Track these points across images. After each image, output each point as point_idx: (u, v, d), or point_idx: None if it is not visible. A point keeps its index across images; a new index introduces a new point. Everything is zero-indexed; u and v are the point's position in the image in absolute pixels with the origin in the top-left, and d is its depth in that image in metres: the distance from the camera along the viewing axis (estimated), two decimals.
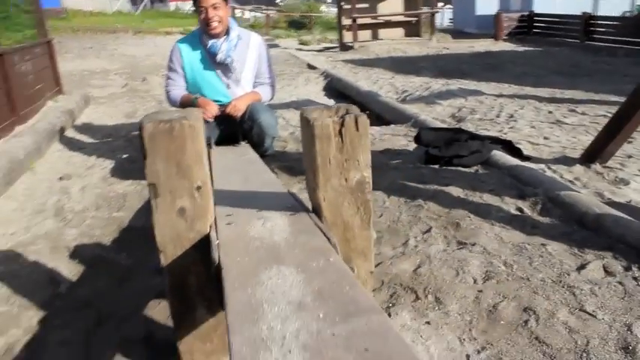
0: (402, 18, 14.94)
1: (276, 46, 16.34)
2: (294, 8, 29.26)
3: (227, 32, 3.53)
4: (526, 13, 15.29)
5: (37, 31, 7.29)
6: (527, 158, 3.79)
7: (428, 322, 2.02)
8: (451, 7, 23.94)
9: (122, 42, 18.60)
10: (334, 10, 18.68)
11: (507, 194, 3.14)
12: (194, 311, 1.67)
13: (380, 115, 5.95)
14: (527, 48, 12.50)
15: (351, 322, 0.93)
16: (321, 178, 1.52)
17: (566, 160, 3.75)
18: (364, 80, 8.41)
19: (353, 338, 0.88)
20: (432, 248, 2.57)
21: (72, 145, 5.35)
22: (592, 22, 12.53)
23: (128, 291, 2.47)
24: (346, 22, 14.25)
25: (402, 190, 3.34)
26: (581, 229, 2.68)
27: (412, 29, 15.09)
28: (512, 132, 4.65)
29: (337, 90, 7.99)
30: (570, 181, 3.35)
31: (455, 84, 7.42)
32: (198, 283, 1.62)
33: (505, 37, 14.72)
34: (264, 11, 27.70)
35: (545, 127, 4.81)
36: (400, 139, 4.61)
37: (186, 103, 3.48)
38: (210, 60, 3.55)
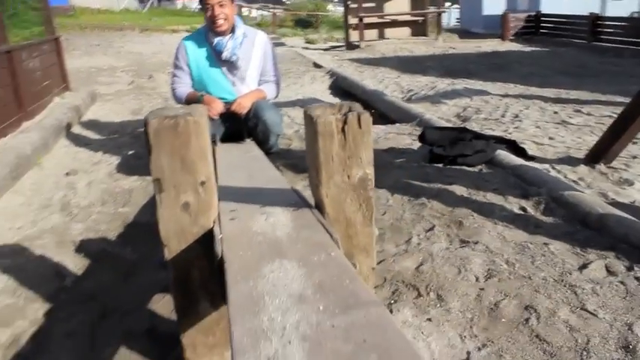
0: (408, 17, 14.93)
1: (282, 44, 16.36)
2: (300, 7, 29.28)
3: (233, 30, 3.55)
4: (533, 14, 15.25)
5: (44, 29, 7.33)
6: (532, 158, 3.80)
7: (429, 319, 2.03)
8: (458, 6, 23.90)
9: (129, 39, 18.67)
10: (341, 9, 18.70)
11: (511, 193, 3.15)
12: (197, 305, 1.69)
13: (385, 114, 5.96)
14: (533, 48, 12.47)
15: (350, 315, 0.95)
16: (323, 174, 1.53)
17: (570, 161, 3.75)
18: (370, 79, 8.42)
19: (352, 330, 0.90)
20: (434, 246, 2.59)
21: (78, 141, 5.39)
22: (599, 22, 12.49)
23: (132, 285, 2.50)
24: (353, 21, 14.25)
25: (406, 188, 3.35)
26: (584, 228, 2.68)
27: (419, 29, 15.07)
28: (517, 132, 4.65)
29: (343, 89, 8.01)
30: (574, 181, 3.35)
31: (461, 84, 7.42)
32: (202, 277, 1.64)
33: (512, 37, 14.68)
34: (270, 10, 27.71)
35: (551, 127, 4.81)
36: (405, 137, 4.62)
37: (191, 101, 3.50)
38: (216, 57, 3.57)
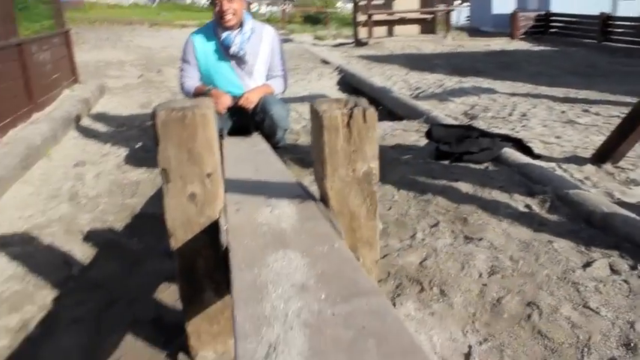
0: (417, 15, 14.91)
1: (291, 40, 16.36)
2: (310, 3, 29.25)
3: (241, 25, 3.56)
4: (543, 13, 15.17)
5: (54, 22, 7.38)
6: (538, 157, 3.80)
7: (432, 313, 2.05)
8: (468, 4, 23.81)
9: (138, 34, 18.76)
10: (350, 6, 18.68)
11: (516, 191, 3.16)
12: (202, 293, 1.72)
13: (392, 110, 5.96)
14: (542, 47, 12.42)
15: (351, 303, 0.97)
16: (328, 168, 1.55)
17: (577, 160, 3.75)
18: (378, 76, 8.42)
19: (352, 317, 0.92)
20: (438, 242, 2.60)
21: (87, 133, 5.44)
22: (610, 22, 12.40)
23: (138, 274, 2.53)
24: (362, 18, 14.25)
25: (412, 184, 3.37)
26: (589, 227, 2.69)
27: (427, 26, 15.04)
28: (525, 130, 4.65)
29: (351, 85, 8.01)
30: (580, 181, 3.35)
31: (469, 82, 7.42)
32: (207, 267, 1.67)
33: (521, 37, 14.62)
34: (280, 6, 27.71)
35: (558, 126, 4.80)
36: (412, 134, 4.63)
37: (199, 94, 3.52)
38: (224, 52, 3.58)
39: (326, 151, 1.53)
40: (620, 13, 15.18)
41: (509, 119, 5.14)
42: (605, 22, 12.36)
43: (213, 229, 1.61)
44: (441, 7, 15.25)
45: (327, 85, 8.08)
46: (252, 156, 2.73)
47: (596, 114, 5.25)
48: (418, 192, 3.23)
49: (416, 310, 2.08)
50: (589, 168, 3.58)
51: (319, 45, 15.19)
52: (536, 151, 3.94)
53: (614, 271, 2.29)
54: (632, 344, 1.82)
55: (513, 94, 6.45)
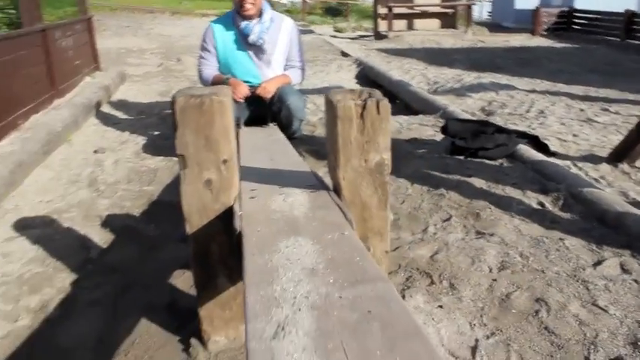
0: (438, 9, 14.79)
1: (311, 32, 16.35)
2: None
3: (260, 15, 3.60)
4: (566, 9, 14.97)
5: (78, 9, 7.47)
6: (554, 154, 3.79)
7: (440, 306, 2.08)
8: None
9: (159, 22, 18.87)
10: None
11: (530, 188, 3.16)
12: (215, 279, 1.76)
13: (409, 104, 5.96)
14: (564, 44, 12.26)
15: (358, 288, 1.00)
16: (341, 158, 1.58)
17: (593, 159, 3.73)
18: (396, 70, 8.40)
19: (358, 301, 0.95)
20: (450, 236, 2.62)
21: (107, 120, 5.52)
22: (635, 19, 12.19)
23: (154, 260, 2.59)
24: (382, 10, 14.17)
25: (426, 178, 3.38)
26: (601, 226, 2.69)
27: (448, 21, 14.93)
28: (541, 128, 4.63)
29: (369, 78, 8.00)
30: (595, 179, 3.34)
31: (487, 77, 7.37)
32: (221, 252, 1.71)
33: (543, 33, 14.44)
34: None
35: (575, 124, 4.77)
36: (427, 129, 4.63)
37: (217, 83, 3.57)
38: (243, 41, 3.62)
39: (339, 142, 1.56)
40: None
41: (526, 116, 5.12)
42: (629, 20, 12.14)
43: (228, 215, 1.65)
44: (463, 1, 15.12)
45: (346, 78, 8.09)
46: (267, 145, 2.77)
47: (616, 113, 5.20)
48: (432, 186, 3.25)
49: (425, 302, 2.10)
50: (605, 167, 3.56)
51: (339, 37, 15.15)
52: (552, 148, 3.93)
53: (624, 270, 2.29)
54: (639, 343, 1.83)
55: (532, 91, 6.40)
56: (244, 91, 3.55)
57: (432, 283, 2.23)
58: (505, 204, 2.96)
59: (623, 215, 2.63)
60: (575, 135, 4.40)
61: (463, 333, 1.93)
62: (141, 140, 4.66)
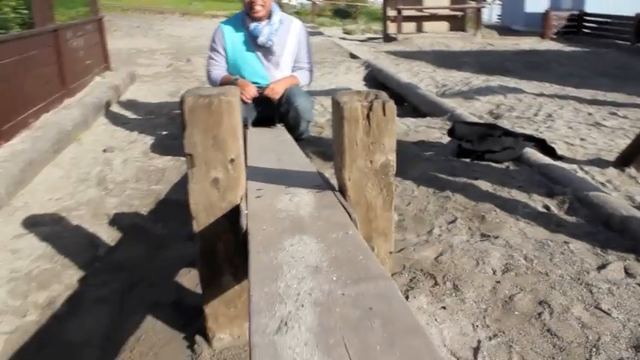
0: (447, 12, 14.79)
1: (320, 34, 16.39)
2: None
3: (270, 16, 3.63)
4: (576, 13, 14.92)
5: (89, 9, 7.54)
6: (560, 158, 3.79)
7: (444, 307, 2.09)
8: (500, 2, 23.51)
9: (169, 23, 18.98)
10: (381, 0, 18.61)
11: (536, 191, 3.16)
12: (221, 277, 1.78)
13: (417, 107, 5.97)
14: (573, 48, 12.23)
15: (360, 286, 1.02)
16: (347, 158, 1.60)
17: (600, 163, 3.72)
18: (405, 72, 8.41)
19: (360, 298, 0.97)
20: (455, 238, 2.63)
21: (116, 119, 5.57)
22: None
23: (161, 259, 2.62)
24: (391, 13, 14.19)
25: (432, 181, 3.40)
26: (607, 230, 2.69)
27: (457, 24, 14.91)
28: (549, 131, 4.62)
29: (377, 80, 8.01)
30: (602, 183, 3.34)
31: (495, 81, 7.37)
32: (227, 251, 1.73)
33: (553, 36, 14.40)
34: None
35: (583, 128, 4.77)
36: (435, 131, 4.64)
37: (226, 84, 3.59)
38: (252, 42, 3.65)
39: (345, 142, 1.58)
40: None
41: (534, 119, 5.11)
42: None
43: (234, 214, 1.67)
44: (472, 4, 15.11)
45: (354, 80, 8.10)
46: (275, 146, 2.79)
47: (624, 117, 5.19)
48: (438, 188, 3.26)
49: (428, 303, 2.12)
50: (611, 171, 3.56)
51: (348, 39, 15.18)
52: (559, 152, 3.92)
53: (628, 274, 2.29)
54: None
55: (540, 95, 6.39)
56: (252, 91, 3.58)
57: (436, 284, 2.24)
58: (510, 207, 2.97)
59: (628, 219, 2.63)
60: (582, 139, 4.40)
61: (466, 334, 1.94)
62: (149, 140, 4.70)
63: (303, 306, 0.95)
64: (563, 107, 5.66)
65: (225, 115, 1.57)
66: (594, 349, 1.83)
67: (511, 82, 7.35)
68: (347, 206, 1.54)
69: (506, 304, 2.09)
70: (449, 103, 5.69)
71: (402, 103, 6.38)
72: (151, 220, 3.08)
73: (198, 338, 1.90)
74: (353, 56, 10.48)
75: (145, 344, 1.94)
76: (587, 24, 14.54)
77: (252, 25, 3.60)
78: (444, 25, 14.92)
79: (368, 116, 1.56)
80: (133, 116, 5.78)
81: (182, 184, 3.48)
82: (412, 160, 3.76)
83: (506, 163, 3.67)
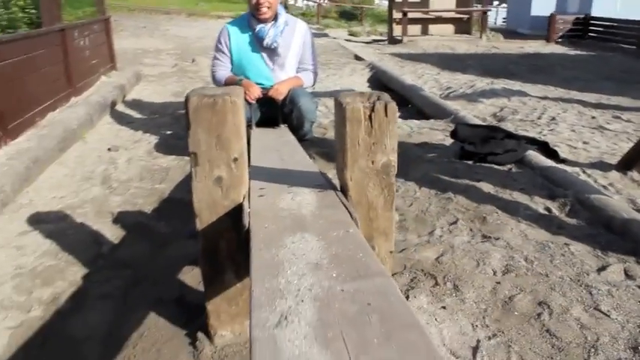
0: (453, 15, 14.79)
1: (325, 35, 16.42)
2: None
3: (275, 18, 3.65)
4: (582, 16, 14.90)
5: (96, 9, 7.59)
6: (563, 161, 3.80)
7: (444, 307, 2.10)
8: (506, 6, 23.49)
9: (175, 23, 19.06)
10: (387, 2, 18.63)
11: (537, 194, 3.18)
12: (223, 274, 1.81)
13: (421, 109, 5.99)
14: (579, 52, 12.22)
15: (359, 282, 1.04)
16: (349, 158, 1.62)
17: (602, 166, 3.73)
18: (409, 74, 8.42)
19: (359, 294, 0.99)
20: (456, 239, 2.65)
21: (121, 118, 5.60)
22: None
23: (164, 256, 2.64)
24: (397, 15, 14.20)
25: (434, 182, 3.41)
26: (607, 232, 2.70)
27: (463, 26, 14.92)
28: (552, 134, 4.63)
29: (381, 82, 8.04)
30: (604, 187, 3.34)
31: (499, 84, 7.37)
32: (229, 248, 1.75)
33: (558, 40, 14.38)
34: (316, 0, 27.75)
35: (586, 131, 4.77)
36: (438, 133, 4.66)
37: (230, 84, 3.61)
38: (257, 44, 3.67)
39: (347, 142, 1.60)
40: None
41: (537, 122, 5.12)
42: None
43: (237, 212, 1.69)
44: (478, 7, 15.11)
45: (358, 82, 8.13)
46: (278, 146, 2.82)
47: (628, 121, 5.19)
48: (440, 190, 3.28)
49: (428, 303, 2.13)
50: (614, 174, 3.56)
51: (353, 41, 15.20)
52: (562, 155, 3.93)
53: (628, 276, 2.30)
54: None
55: (544, 98, 6.40)
56: (257, 92, 3.60)
57: (437, 284, 2.26)
58: (512, 209, 2.98)
59: (629, 222, 2.64)
60: (585, 142, 4.40)
61: (465, 333, 1.95)
62: (154, 139, 4.73)
63: (303, 301, 0.97)
64: (567, 110, 5.67)
65: (229, 114, 1.60)
66: (593, 350, 1.85)
67: (515, 85, 7.36)
68: (348, 205, 1.56)
69: (506, 305, 2.11)
70: (452, 105, 5.71)
71: (406, 105, 6.40)
72: (154, 219, 3.10)
73: (200, 335, 1.93)
74: (358, 58, 10.50)
75: (147, 340, 1.96)
76: (593, 28, 14.51)
77: (258, 27, 3.62)
78: (450, 28, 14.93)
79: (370, 117, 1.58)
80: (138, 116, 5.81)
81: (186, 183, 3.50)
82: (415, 162, 3.78)
83: (508, 166, 3.68)
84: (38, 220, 3.05)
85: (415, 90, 6.67)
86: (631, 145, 4.04)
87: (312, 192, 1.71)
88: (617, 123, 5.12)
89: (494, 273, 2.33)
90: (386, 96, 1.65)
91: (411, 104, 6.37)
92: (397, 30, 14.19)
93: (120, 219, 3.08)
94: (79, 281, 2.44)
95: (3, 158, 3.71)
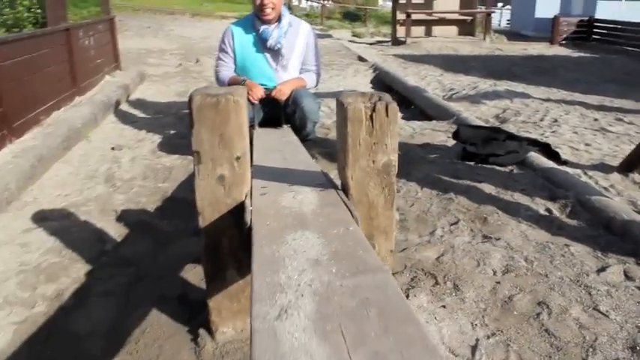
0: (456, 16, 14.81)
1: (329, 36, 16.44)
2: (350, 0, 29.24)
3: (279, 19, 3.67)
4: (585, 19, 14.89)
5: (101, 9, 7.63)
6: (565, 162, 3.81)
7: (444, 306, 2.12)
8: (509, 7, 23.48)
9: (179, 23, 19.11)
10: (390, 4, 18.64)
11: (538, 195, 3.19)
12: (225, 271, 1.83)
13: (424, 110, 6.00)
14: (582, 54, 12.22)
15: (358, 277, 1.06)
16: (350, 158, 1.64)
17: (603, 168, 3.74)
18: (412, 76, 8.44)
19: (358, 289, 1.01)
20: (457, 239, 2.66)
21: (125, 118, 5.64)
22: None
23: (167, 254, 2.67)
24: (400, 16, 14.22)
25: (436, 183, 3.43)
26: (608, 233, 2.71)
27: (466, 28, 14.93)
28: (554, 136, 4.64)
29: (384, 83, 8.05)
30: (605, 188, 3.36)
31: (502, 85, 7.38)
32: (231, 246, 1.77)
33: (562, 42, 14.38)
34: (320, 1, 27.79)
35: (588, 133, 4.78)
36: (440, 134, 4.68)
37: (233, 84, 3.64)
38: (261, 45, 3.70)
39: (348, 142, 1.62)
40: None
41: (539, 124, 5.13)
42: None
43: (239, 210, 1.72)
44: (481, 9, 15.12)
45: (362, 83, 8.14)
46: (281, 146, 2.84)
47: (630, 123, 5.20)
48: (441, 190, 3.29)
49: (428, 302, 2.15)
50: (615, 176, 3.58)
51: (357, 42, 15.22)
52: (564, 157, 3.95)
53: (628, 277, 2.32)
54: (638, 347, 1.86)
55: (547, 100, 6.41)
56: (259, 92, 3.63)
57: (437, 283, 2.28)
58: (513, 209, 3.00)
59: (629, 223, 2.66)
60: (587, 144, 4.42)
61: (464, 332, 1.97)
62: (157, 139, 4.76)
63: (302, 295, 0.99)
64: (569, 112, 5.68)
65: (232, 113, 1.62)
66: (591, 349, 1.86)
67: (518, 87, 7.37)
68: (349, 204, 1.58)
69: (506, 304, 2.13)
70: (455, 106, 5.72)
71: (409, 106, 6.42)
72: (157, 217, 3.12)
73: (201, 331, 1.95)
74: (361, 59, 10.52)
75: (149, 336, 1.99)
76: (596, 30, 14.51)
77: (262, 28, 3.65)
78: (453, 30, 14.94)
79: (371, 117, 1.60)
80: (142, 115, 5.84)
81: (188, 183, 3.53)
82: (417, 162, 3.80)
83: (510, 167, 3.70)
84: (42, 218, 3.08)
85: (418, 91, 6.69)
86: (633, 147, 4.05)
87: (313, 190, 1.73)
88: (619, 125, 5.13)
89: (494, 273, 2.34)
90: (387, 96, 1.67)
91: (414, 105, 6.39)
92: (401, 31, 14.21)
93: (123, 217, 3.11)
94: (82, 278, 2.46)
95: (8, 156, 3.75)
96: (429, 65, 9.75)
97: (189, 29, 16.99)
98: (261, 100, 3.64)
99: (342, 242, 1.26)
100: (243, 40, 3.74)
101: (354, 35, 17.75)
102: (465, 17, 14.88)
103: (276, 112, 3.66)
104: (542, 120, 5.33)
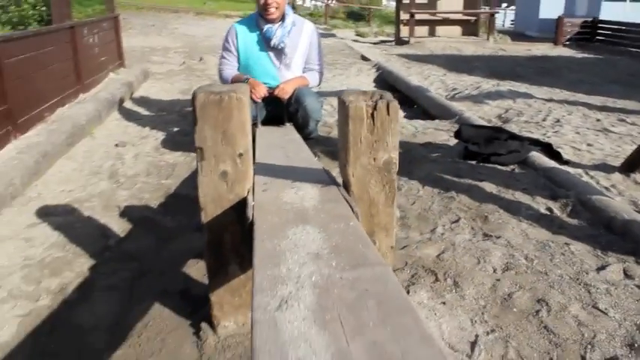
0: (460, 16, 14.80)
1: (333, 36, 16.46)
2: (353, 0, 29.24)
3: (283, 18, 3.69)
4: (589, 19, 14.87)
5: (105, 7, 7.66)
6: (566, 162, 3.82)
7: (444, 303, 2.14)
8: (514, 8, 23.46)
9: (183, 22, 19.15)
10: (394, 3, 18.63)
11: (539, 194, 3.21)
12: (227, 266, 1.85)
13: (427, 110, 6.02)
14: (586, 55, 12.20)
15: (358, 271, 1.08)
16: (351, 155, 1.66)
17: (605, 168, 3.75)
18: (416, 75, 8.45)
19: (357, 282, 1.03)
20: (457, 237, 2.68)
21: (129, 115, 5.67)
22: None
23: (169, 250, 2.69)
24: (404, 16, 14.22)
25: (438, 181, 3.44)
26: (608, 233, 2.73)
27: (470, 28, 14.92)
28: (556, 136, 4.65)
29: (388, 83, 8.07)
30: (606, 188, 3.37)
31: (505, 86, 7.39)
32: (233, 241, 1.80)
33: (566, 43, 14.36)
34: (324, 1, 27.80)
35: (591, 134, 4.79)
36: (442, 133, 4.69)
37: (236, 83, 3.66)
38: (265, 43, 3.72)
39: (350, 140, 1.64)
40: None
41: (542, 124, 5.14)
42: None
43: (241, 206, 1.74)
44: (485, 9, 15.11)
45: (365, 82, 8.16)
46: (283, 144, 2.86)
47: (632, 124, 5.20)
48: (443, 189, 3.31)
49: (429, 298, 2.17)
50: (616, 176, 3.59)
51: (360, 41, 15.23)
52: (566, 157, 3.96)
53: (627, 275, 2.33)
54: (636, 345, 1.88)
55: (549, 100, 6.41)
56: (262, 91, 3.64)
57: (437, 280, 2.29)
58: (514, 208, 3.01)
59: (629, 223, 2.67)
60: (589, 144, 4.42)
61: (464, 328, 1.99)
62: (161, 136, 4.79)
63: (303, 287, 1.01)
64: (572, 113, 5.69)
65: (235, 111, 1.64)
66: (589, 346, 1.88)
67: (521, 87, 7.37)
68: (350, 200, 1.60)
69: (505, 302, 2.14)
70: (458, 106, 5.73)
71: (412, 105, 6.44)
72: (160, 213, 3.15)
73: (203, 325, 1.97)
74: (364, 58, 10.53)
75: (152, 330, 2.01)
76: (600, 31, 14.49)
77: (266, 27, 3.67)
78: (457, 30, 14.93)
79: (372, 115, 1.62)
80: (146, 112, 5.87)
81: (191, 179, 3.55)
82: (419, 161, 3.81)
83: (511, 166, 3.71)
84: (47, 213, 3.10)
85: (421, 91, 6.70)
86: (635, 147, 4.06)
87: (314, 187, 1.75)
88: (621, 126, 5.14)
89: (495, 270, 2.36)
90: (388, 95, 1.69)
91: (417, 105, 6.40)
92: (404, 31, 14.21)
93: (126, 213, 3.13)
94: (86, 272, 2.49)
95: (13, 152, 3.78)
96: (433, 65, 9.76)
97: (193, 27, 17.03)
98: (264, 99, 3.65)
99: (343, 237, 1.28)
100: (247, 39, 3.75)
101: (357, 35, 17.75)
102: (469, 17, 14.86)
103: (279, 110, 3.67)
104: (544, 120, 5.34)
